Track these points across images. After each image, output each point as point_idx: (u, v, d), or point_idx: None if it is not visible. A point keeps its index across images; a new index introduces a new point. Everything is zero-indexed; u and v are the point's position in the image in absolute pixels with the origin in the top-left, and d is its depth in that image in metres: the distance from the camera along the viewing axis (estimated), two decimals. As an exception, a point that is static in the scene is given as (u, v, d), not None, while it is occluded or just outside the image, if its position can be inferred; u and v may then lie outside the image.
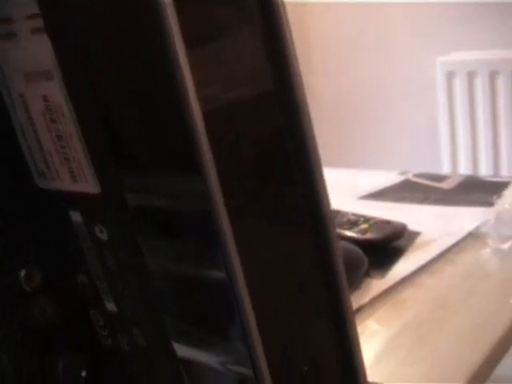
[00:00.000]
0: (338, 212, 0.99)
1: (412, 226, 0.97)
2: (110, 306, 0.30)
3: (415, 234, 0.97)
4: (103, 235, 0.28)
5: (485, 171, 1.96)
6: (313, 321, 0.27)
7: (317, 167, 0.28)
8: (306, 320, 0.27)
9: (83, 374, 0.32)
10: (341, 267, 0.30)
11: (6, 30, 0.28)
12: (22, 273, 0.30)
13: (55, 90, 0.28)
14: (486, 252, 0.93)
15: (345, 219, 0.96)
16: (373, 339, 0.74)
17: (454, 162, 2.01)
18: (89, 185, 0.28)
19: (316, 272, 0.29)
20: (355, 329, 0.27)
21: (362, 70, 2.18)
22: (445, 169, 2.00)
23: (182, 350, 0.27)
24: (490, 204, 1.08)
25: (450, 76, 1.96)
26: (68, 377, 0.32)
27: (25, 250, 0.30)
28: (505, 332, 0.76)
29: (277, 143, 0.28)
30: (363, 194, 1.17)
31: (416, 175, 1.25)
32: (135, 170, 0.26)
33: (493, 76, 1.92)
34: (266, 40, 0.27)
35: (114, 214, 0.27)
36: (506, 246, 0.93)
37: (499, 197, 1.11)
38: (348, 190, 1.19)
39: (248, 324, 0.24)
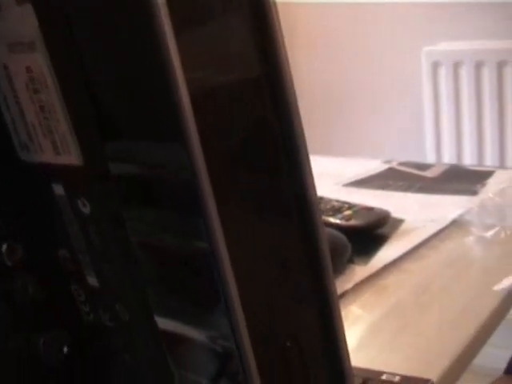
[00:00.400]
0: (321, 199, 0.99)
1: (396, 213, 0.98)
2: (92, 281, 0.30)
3: (399, 222, 0.97)
4: (86, 209, 0.28)
5: (469, 161, 1.97)
6: (297, 299, 0.27)
7: (303, 151, 0.28)
8: (289, 298, 0.27)
9: (65, 350, 0.32)
10: (325, 246, 0.30)
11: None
12: (4, 247, 0.30)
13: (39, 61, 0.27)
14: (470, 240, 0.93)
15: (328, 206, 0.96)
16: (356, 324, 0.74)
17: (438, 151, 2.02)
18: (72, 157, 0.27)
19: (300, 252, 0.29)
20: (339, 310, 0.27)
21: (348, 60, 2.18)
22: (429, 158, 2.00)
23: (164, 324, 0.27)
24: (474, 193, 1.08)
25: (435, 66, 1.97)
26: (49, 353, 0.32)
27: (6, 224, 0.30)
28: (487, 318, 0.77)
29: (263, 128, 0.28)
30: (347, 181, 1.17)
31: (400, 164, 1.25)
32: (119, 140, 0.26)
33: (478, 66, 1.92)
34: (253, 25, 0.27)
35: (97, 186, 0.27)
36: (489, 234, 0.94)
37: (483, 186, 1.12)
38: (332, 177, 1.20)
39: (231, 298, 0.24)
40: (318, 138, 2.26)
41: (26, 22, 0.27)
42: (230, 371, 0.24)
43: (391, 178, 1.17)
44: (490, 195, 1.05)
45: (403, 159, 1.28)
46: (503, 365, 1.43)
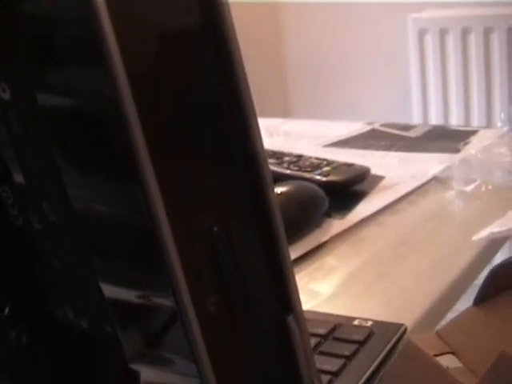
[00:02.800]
0: (300, 156, 0.97)
1: (376, 170, 0.96)
2: (18, 178, 0.29)
3: (379, 178, 0.96)
4: (5, 94, 0.26)
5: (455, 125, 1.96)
6: (227, 185, 0.25)
7: (247, 100, 0.27)
8: (218, 181, 0.25)
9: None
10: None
11: None
12: None
13: None
14: (450, 194, 0.92)
15: (307, 163, 0.95)
16: (331, 274, 0.73)
17: (425, 117, 2.01)
18: None
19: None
20: (273, 192, 0.26)
21: (335, 27, 2.16)
22: (416, 123, 2.00)
23: (88, 220, 0.25)
24: (457, 150, 1.07)
25: (421, 33, 1.95)
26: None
27: None
28: (465, 268, 0.75)
29: (204, 79, 0.26)
30: (328, 142, 1.16)
31: (383, 125, 1.23)
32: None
33: (464, 33, 1.91)
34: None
35: (17, 68, 0.25)
36: (469, 188, 0.92)
37: (466, 144, 1.10)
38: (314, 139, 1.18)
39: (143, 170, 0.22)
40: (305, 102, 2.26)
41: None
42: (148, 251, 0.23)
43: (373, 139, 1.16)
44: (472, 152, 1.03)
45: (388, 123, 1.27)
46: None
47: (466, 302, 0.63)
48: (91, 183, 0.25)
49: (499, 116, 1.74)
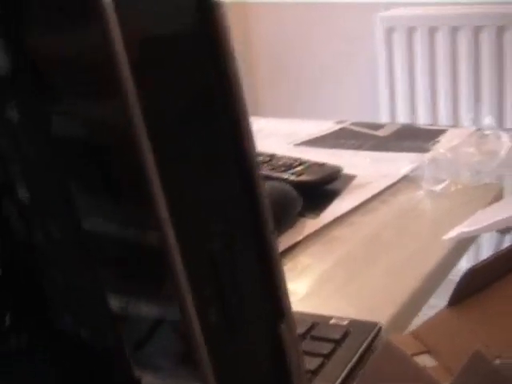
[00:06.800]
0: (272, 156, 0.98)
1: (348, 169, 0.98)
2: (23, 194, 0.29)
3: (351, 177, 0.97)
4: (14, 113, 0.27)
5: (423, 123, 1.98)
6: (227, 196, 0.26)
7: (239, 98, 0.27)
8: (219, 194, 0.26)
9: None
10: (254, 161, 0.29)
11: None
12: None
13: None
14: (420, 194, 0.94)
15: (280, 162, 0.96)
16: (305, 273, 0.74)
17: (392, 114, 2.03)
18: None
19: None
20: (266, 199, 0.26)
21: (304, 26, 2.17)
22: (384, 121, 2.02)
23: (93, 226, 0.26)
24: (426, 150, 1.09)
25: (389, 31, 1.97)
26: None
27: None
28: (435, 267, 0.77)
29: (202, 83, 0.27)
30: (299, 141, 1.17)
31: (353, 124, 1.25)
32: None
33: (432, 32, 1.93)
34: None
35: (27, 91, 0.26)
36: (438, 187, 0.94)
37: (435, 143, 1.12)
38: (285, 137, 1.19)
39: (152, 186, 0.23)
40: (273, 101, 2.27)
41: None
42: (156, 268, 0.24)
43: (343, 137, 1.17)
44: (441, 151, 1.05)
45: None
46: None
47: (439, 298, 0.65)
48: (100, 203, 0.26)
49: (466, 115, 1.77)
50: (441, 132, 1.18)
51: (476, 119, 1.71)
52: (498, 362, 0.46)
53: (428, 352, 0.52)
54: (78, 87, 0.25)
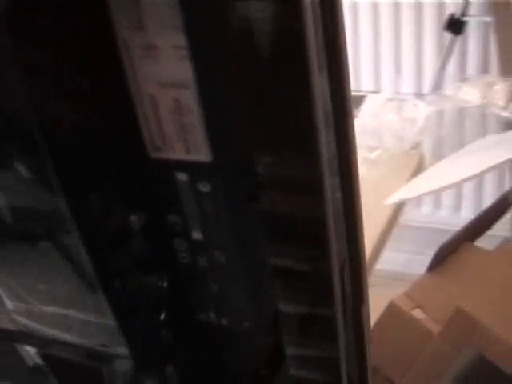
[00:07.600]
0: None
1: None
2: (196, 235, 0.41)
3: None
4: (205, 188, 0.39)
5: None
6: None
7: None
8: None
9: (165, 285, 0.43)
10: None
11: (151, 54, 0.36)
12: (133, 217, 0.40)
13: (188, 96, 0.37)
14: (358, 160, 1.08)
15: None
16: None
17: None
18: (201, 155, 0.38)
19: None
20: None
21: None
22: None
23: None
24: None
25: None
26: (155, 288, 0.43)
27: (134, 200, 0.40)
28: (382, 229, 0.92)
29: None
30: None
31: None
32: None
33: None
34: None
35: (221, 174, 0.38)
36: (373, 154, 1.08)
37: (358, 110, 1.26)
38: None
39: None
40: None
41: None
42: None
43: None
44: (368, 119, 1.19)
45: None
46: (399, 267, 1.61)
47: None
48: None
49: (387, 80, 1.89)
50: (361, 98, 1.32)
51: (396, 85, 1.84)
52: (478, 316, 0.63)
53: (418, 307, 0.69)
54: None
